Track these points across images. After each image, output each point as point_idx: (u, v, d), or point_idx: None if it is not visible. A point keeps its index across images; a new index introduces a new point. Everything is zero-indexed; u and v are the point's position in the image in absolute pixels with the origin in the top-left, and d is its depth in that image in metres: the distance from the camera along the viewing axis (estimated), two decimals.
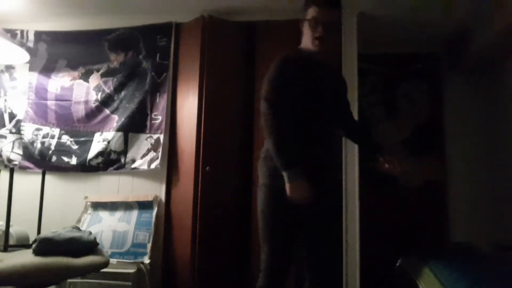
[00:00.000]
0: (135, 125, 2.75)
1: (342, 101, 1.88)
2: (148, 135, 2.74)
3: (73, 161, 2.77)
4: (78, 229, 2.16)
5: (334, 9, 1.68)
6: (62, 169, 2.79)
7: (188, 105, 2.65)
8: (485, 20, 2.67)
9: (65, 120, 2.85)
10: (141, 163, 2.70)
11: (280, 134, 1.55)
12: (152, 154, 2.70)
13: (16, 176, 2.30)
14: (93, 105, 2.83)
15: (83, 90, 2.87)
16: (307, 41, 1.71)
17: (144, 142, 2.73)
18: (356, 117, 2.59)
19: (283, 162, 1.54)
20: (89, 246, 1.94)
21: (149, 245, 2.49)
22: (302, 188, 1.52)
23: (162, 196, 2.68)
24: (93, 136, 2.79)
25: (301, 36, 1.76)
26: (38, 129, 2.86)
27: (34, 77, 2.92)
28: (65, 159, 2.78)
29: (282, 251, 1.63)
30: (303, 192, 1.52)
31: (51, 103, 2.88)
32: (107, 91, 2.83)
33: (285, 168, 1.53)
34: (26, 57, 2.66)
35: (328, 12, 1.65)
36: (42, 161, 2.79)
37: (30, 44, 2.95)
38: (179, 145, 2.69)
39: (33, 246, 1.86)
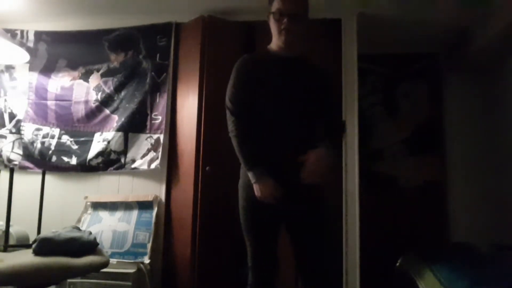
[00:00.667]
0: (135, 125, 2.75)
1: (312, 95, 1.71)
2: (148, 135, 2.74)
3: (73, 161, 2.77)
4: (78, 229, 2.16)
5: (298, 0, 1.64)
6: (62, 169, 2.78)
7: (188, 105, 2.65)
8: (485, 20, 2.67)
9: (65, 120, 2.85)
10: (141, 163, 2.70)
11: (240, 139, 1.63)
12: (152, 154, 2.70)
13: (16, 176, 2.30)
14: (93, 105, 2.83)
15: (83, 90, 2.87)
16: (274, 35, 1.69)
17: (144, 142, 2.73)
18: (355, 116, 2.61)
19: (246, 163, 1.62)
20: (89, 246, 1.94)
21: (149, 245, 2.49)
22: (268, 186, 1.55)
23: (162, 196, 2.68)
24: (93, 136, 2.79)
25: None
26: (38, 129, 2.86)
27: (34, 77, 2.92)
28: (65, 159, 2.78)
29: (262, 248, 1.65)
30: (270, 190, 1.55)
31: (51, 103, 2.88)
32: (107, 91, 2.83)
33: (249, 169, 1.60)
34: (26, 57, 2.66)
35: (291, 2, 1.62)
36: (42, 161, 2.79)
37: (30, 44, 2.95)
38: (179, 145, 2.69)
39: (33, 246, 1.86)
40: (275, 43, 1.70)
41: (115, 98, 2.82)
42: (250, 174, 1.60)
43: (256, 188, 1.58)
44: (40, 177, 2.45)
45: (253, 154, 1.62)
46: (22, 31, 2.97)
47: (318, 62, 1.78)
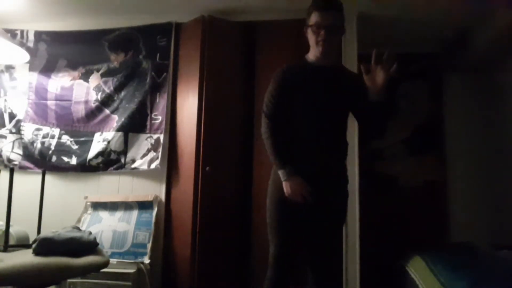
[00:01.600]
0: (135, 125, 2.75)
1: (348, 100, 1.79)
2: (148, 135, 2.74)
3: (73, 161, 2.77)
4: (78, 229, 2.16)
5: (335, 12, 1.71)
6: (62, 169, 2.79)
7: (188, 105, 2.65)
8: (485, 20, 2.67)
9: (65, 120, 2.85)
10: (141, 163, 2.70)
11: (273, 139, 1.71)
12: (152, 154, 2.70)
13: (16, 176, 2.30)
14: (93, 105, 2.83)
15: (83, 90, 2.87)
16: (312, 46, 1.77)
17: (144, 142, 2.73)
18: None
19: (278, 162, 1.69)
20: (89, 246, 1.94)
21: (149, 245, 2.49)
22: (298, 185, 1.62)
23: (162, 196, 2.68)
24: (93, 136, 2.79)
25: (305, 42, 1.81)
26: (38, 129, 2.86)
27: (34, 77, 2.92)
28: (65, 159, 2.78)
29: (286, 248, 1.68)
30: (299, 189, 1.62)
31: (51, 103, 2.88)
32: (107, 91, 2.83)
33: (280, 167, 1.67)
34: (26, 57, 2.66)
35: (329, 15, 1.69)
36: (42, 161, 2.79)
37: (30, 44, 2.95)
38: (179, 145, 2.69)
39: (33, 246, 1.86)
40: (313, 53, 1.77)
41: (115, 98, 2.82)
42: (280, 173, 1.67)
43: (285, 186, 1.64)
44: (40, 177, 2.45)
45: (285, 154, 1.69)
46: (22, 31, 2.97)
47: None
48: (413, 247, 2.67)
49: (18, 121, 2.88)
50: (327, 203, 1.68)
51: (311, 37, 1.74)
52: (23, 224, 2.50)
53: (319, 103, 1.72)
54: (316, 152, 1.70)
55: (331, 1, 1.73)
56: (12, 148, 2.85)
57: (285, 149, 1.70)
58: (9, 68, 2.97)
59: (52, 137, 2.83)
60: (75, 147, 2.80)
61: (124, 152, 2.74)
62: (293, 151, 1.69)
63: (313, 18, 1.72)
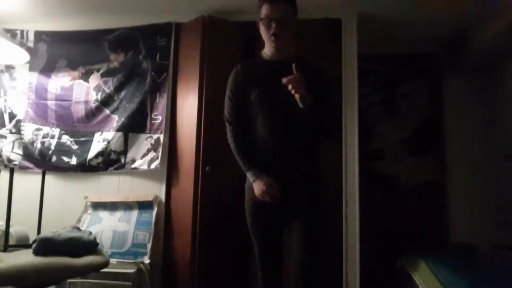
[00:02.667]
0: (135, 125, 2.75)
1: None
2: (148, 135, 2.74)
3: (73, 161, 2.77)
4: (78, 229, 2.16)
5: (285, 5, 1.67)
6: (62, 169, 2.78)
7: (188, 105, 2.65)
8: (485, 20, 2.67)
9: (65, 120, 2.85)
10: (141, 163, 2.70)
11: (237, 144, 1.74)
12: (152, 154, 2.70)
13: (16, 176, 2.30)
14: (93, 105, 2.83)
15: (83, 90, 2.87)
16: (265, 41, 1.74)
17: (144, 142, 2.73)
18: (355, 116, 2.61)
19: (243, 165, 1.72)
20: (89, 246, 1.94)
21: (149, 245, 2.49)
22: (265, 183, 1.62)
23: (162, 196, 2.68)
24: (93, 136, 2.79)
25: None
26: (38, 129, 2.86)
27: (34, 77, 2.92)
28: (65, 159, 2.78)
29: (267, 247, 1.72)
30: (267, 187, 1.62)
31: (51, 103, 2.88)
32: (107, 91, 2.83)
33: (247, 169, 1.70)
34: (26, 57, 2.66)
35: (279, 8, 1.65)
36: (42, 161, 2.79)
37: (30, 44, 2.95)
38: (179, 145, 2.69)
39: (33, 246, 1.86)
40: (267, 48, 1.75)
41: (115, 98, 2.82)
42: (248, 174, 1.69)
43: (255, 187, 1.66)
44: (40, 177, 2.45)
45: (249, 156, 1.71)
46: (22, 31, 2.97)
47: (313, 62, 1.78)
48: (413, 247, 2.67)
49: (18, 121, 2.88)
50: (293, 203, 1.66)
51: (263, 31, 1.71)
52: (23, 224, 2.50)
53: (274, 100, 1.68)
54: (277, 153, 1.68)
55: None
56: (12, 148, 2.85)
57: (250, 151, 1.71)
58: (9, 68, 2.97)
59: (52, 137, 2.83)
60: (75, 147, 2.80)
61: (124, 152, 2.74)
62: (258, 153, 1.69)
63: (264, 11, 1.69)
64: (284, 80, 1.55)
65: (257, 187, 1.64)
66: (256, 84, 1.71)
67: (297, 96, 1.58)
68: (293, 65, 1.55)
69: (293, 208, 1.66)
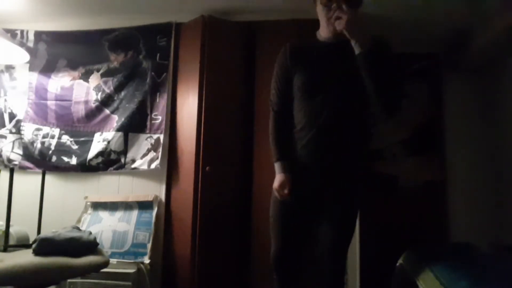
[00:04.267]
0: (135, 125, 2.75)
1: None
2: (148, 135, 2.74)
3: (73, 161, 2.77)
4: (78, 229, 2.16)
5: None
6: (62, 169, 2.78)
7: (188, 105, 2.65)
8: (485, 20, 2.67)
9: (65, 120, 2.85)
10: (141, 163, 2.70)
11: (274, 132, 1.62)
12: (152, 154, 2.70)
13: (16, 176, 2.30)
14: (93, 105, 2.83)
15: (83, 90, 2.87)
16: (322, 23, 1.54)
17: (144, 142, 2.73)
18: None
19: (274, 155, 1.61)
20: (89, 246, 1.94)
21: (149, 245, 2.49)
22: (279, 182, 1.55)
23: (162, 196, 2.68)
24: (93, 136, 2.79)
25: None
26: (38, 129, 2.86)
27: (34, 77, 2.92)
28: (65, 159, 2.78)
29: (282, 246, 1.60)
30: (281, 187, 1.54)
31: (51, 103, 2.88)
32: (107, 91, 2.83)
33: (274, 161, 1.61)
34: (26, 57, 2.66)
35: None
36: (42, 161, 2.79)
37: (30, 44, 2.95)
38: (179, 145, 2.69)
39: (33, 246, 1.86)
40: (323, 30, 1.55)
41: (115, 98, 2.82)
42: (275, 166, 1.60)
43: (275, 180, 1.59)
44: (40, 177, 2.45)
45: (284, 147, 1.59)
46: (22, 31, 2.97)
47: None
48: (413, 248, 2.67)
49: (18, 121, 2.88)
50: (327, 209, 1.53)
51: (320, 13, 1.49)
52: (23, 224, 2.50)
53: (324, 86, 1.48)
54: (326, 144, 1.50)
55: None
56: (12, 148, 2.85)
57: (287, 141, 1.57)
58: (9, 68, 2.97)
59: (52, 137, 2.83)
60: (75, 147, 2.80)
61: (124, 152, 2.74)
62: (300, 142, 1.53)
63: None
64: (331, 14, 1.35)
65: (276, 182, 1.56)
66: (303, 67, 1.53)
67: (351, 36, 1.34)
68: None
69: (327, 210, 1.53)
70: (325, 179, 1.52)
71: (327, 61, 1.46)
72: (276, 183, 1.56)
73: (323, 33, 1.55)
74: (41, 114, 2.88)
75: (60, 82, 2.90)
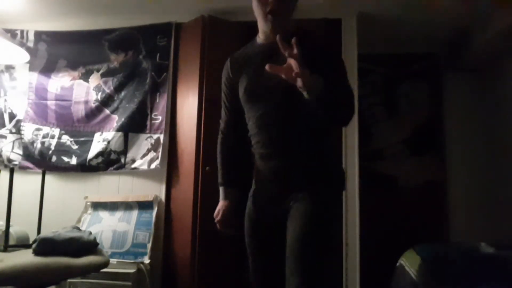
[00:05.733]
0: (135, 125, 2.75)
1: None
2: (148, 135, 2.73)
3: (73, 161, 2.77)
4: (78, 229, 2.16)
5: None
6: (62, 169, 2.78)
7: (188, 105, 2.65)
8: (485, 20, 2.67)
9: (65, 120, 2.85)
10: (141, 163, 2.70)
11: (219, 152, 1.56)
12: (152, 154, 2.70)
13: (16, 176, 2.30)
14: (93, 105, 2.83)
15: (83, 90, 2.87)
16: (259, 21, 1.37)
17: (144, 142, 2.73)
18: (355, 116, 2.60)
19: (219, 179, 1.55)
20: (89, 246, 1.94)
21: (149, 245, 2.49)
22: (217, 210, 1.51)
23: (162, 196, 2.68)
24: (93, 136, 2.79)
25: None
26: (38, 129, 2.85)
27: (34, 77, 2.92)
28: (65, 159, 2.78)
29: (255, 261, 1.46)
30: (217, 213, 1.51)
31: (51, 103, 2.88)
32: (107, 91, 2.83)
33: (219, 184, 1.56)
34: (26, 57, 2.65)
35: None
36: (42, 161, 2.79)
37: (30, 44, 2.95)
38: (179, 145, 2.69)
39: (33, 246, 1.86)
40: (261, 30, 1.41)
41: (115, 98, 2.81)
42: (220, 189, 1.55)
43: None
44: (40, 177, 2.45)
45: (232, 168, 1.54)
46: (22, 31, 2.97)
47: (319, 38, 1.47)
48: (413, 247, 2.67)
49: (18, 121, 2.88)
50: (290, 213, 1.33)
51: (256, 8, 1.34)
52: (23, 224, 2.50)
53: (265, 92, 1.33)
54: (271, 162, 1.36)
55: None
56: (12, 148, 2.85)
57: (235, 161, 1.51)
58: (9, 68, 2.97)
59: (52, 137, 2.83)
60: (75, 147, 2.80)
61: (124, 152, 2.74)
62: (257, 155, 1.41)
63: None
64: (268, 67, 1.14)
65: (217, 207, 1.50)
66: (244, 76, 1.40)
67: (298, 84, 1.13)
68: (293, 40, 1.12)
69: (290, 214, 1.34)
70: (280, 187, 1.38)
71: (264, 64, 1.19)
72: (217, 212, 1.51)
73: (261, 33, 1.41)
74: (41, 114, 2.88)
75: (60, 82, 2.90)
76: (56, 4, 2.77)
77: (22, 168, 2.79)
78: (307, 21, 2.53)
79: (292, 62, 1.13)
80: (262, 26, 1.38)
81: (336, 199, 1.41)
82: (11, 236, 2.34)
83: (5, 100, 2.93)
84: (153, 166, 2.68)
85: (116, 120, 2.78)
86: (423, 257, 2.24)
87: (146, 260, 2.43)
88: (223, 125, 1.57)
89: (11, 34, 2.96)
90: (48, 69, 2.92)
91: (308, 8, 2.51)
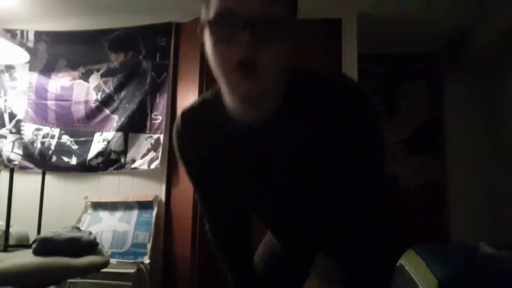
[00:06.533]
0: (135, 125, 2.75)
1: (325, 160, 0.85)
2: (148, 135, 2.73)
3: (73, 161, 2.77)
4: (78, 229, 2.16)
5: None
6: (62, 169, 2.78)
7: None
8: (485, 20, 2.67)
9: (65, 120, 2.85)
10: (141, 163, 2.70)
11: (216, 244, 1.10)
12: (152, 154, 2.70)
13: (16, 176, 2.30)
14: (93, 105, 2.83)
15: (83, 90, 2.87)
16: (219, 78, 0.85)
17: (144, 142, 2.73)
18: None
19: (232, 280, 1.12)
20: (89, 246, 1.94)
21: (149, 245, 2.49)
22: None
23: (162, 196, 2.68)
24: (93, 136, 2.79)
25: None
26: (38, 129, 2.85)
27: (34, 77, 2.92)
28: (65, 159, 2.78)
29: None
30: None
31: (51, 103, 2.88)
32: (107, 91, 2.83)
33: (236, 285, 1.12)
34: (26, 57, 2.65)
35: None
36: (42, 161, 2.79)
37: (30, 44, 2.95)
38: None
39: (33, 246, 1.86)
40: (228, 96, 0.85)
41: (115, 98, 2.81)
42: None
43: None
44: (40, 177, 2.45)
45: (233, 257, 1.11)
46: (22, 31, 2.97)
47: (337, 82, 0.86)
48: (413, 247, 2.67)
49: (18, 121, 2.88)
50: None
51: (213, 54, 0.83)
52: (23, 224, 2.50)
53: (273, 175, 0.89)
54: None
55: None
56: (12, 148, 2.85)
57: (239, 246, 1.09)
58: (9, 68, 2.97)
59: (52, 137, 2.83)
60: (75, 147, 2.80)
61: (124, 152, 2.74)
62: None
63: (215, 2, 0.75)
64: None
65: None
66: (218, 153, 0.93)
67: None
68: None
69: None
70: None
71: (253, 150, 0.86)
72: None
73: (230, 100, 0.85)
74: (41, 114, 2.88)
75: (60, 82, 2.90)
76: (56, 4, 2.77)
77: (22, 168, 2.79)
78: (307, 21, 2.53)
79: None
80: (227, 92, 0.83)
81: None
82: (11, 236, 2.34)
83: (5, 100, 2.93)
84: (153, 166, 2.68)
85: (116, 120, 2.78)
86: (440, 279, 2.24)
87: (146, 260, 2.43)
88: (205, 216, 1.09)
89: (11, 34, 2.96)
90: (48, 69, 2.92)
91: (308, 8, 2.51)
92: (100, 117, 2.81)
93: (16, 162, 2.81)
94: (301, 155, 0.84)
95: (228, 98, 0.84)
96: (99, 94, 2.83)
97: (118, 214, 2.64)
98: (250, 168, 0.90)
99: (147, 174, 2.72)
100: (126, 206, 2.67)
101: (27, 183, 2.70)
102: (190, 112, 1.04)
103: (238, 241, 1.10)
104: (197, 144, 0.96)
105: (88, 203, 2.72)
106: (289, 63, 0.79)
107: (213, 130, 0.92)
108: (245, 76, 0.73)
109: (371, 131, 0.84)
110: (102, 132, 2.78)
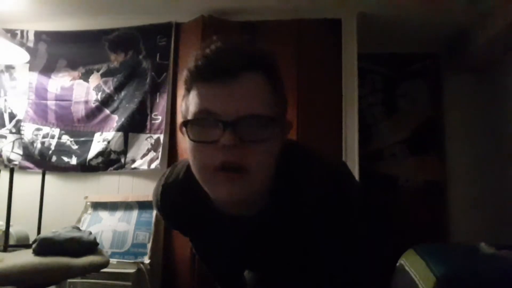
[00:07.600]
0: (135, 125, 2.75)
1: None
2: (148, 135, 2.73)
3: (73, 161, 2.77)
4: (78, 229, 2.16)
5: (254, 83, 0.77)
6: (62, 169, 2.78)
7: None
8: (485, 20, 2.67)
9: (65, 120, 2.85)
10: (141, 163, 2.70)
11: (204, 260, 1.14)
12: (152, 154, 2.70)
13: (16, 176, 2.30)
14: (93, 105, 2.83)
15: (83, 90, 2.87)
16: (197, 175, 0.77)
17: (144, 142, 2.73)
18: (355, 116, 2.61)
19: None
20: (89, 246, 1.94)
21: (149, 245, 2.49)
22: None
23: None
24: (93, 136, 2.79)
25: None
26: (38, 129, 2.85)
27: (34, 77, 2.92)
28: (65, 159, 2.78)
29: None
30: None
31: (51, 103, 2.88)
32: (107, 91, 2.83)
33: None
34: (26, 57, 2.65)
35: (238, 85, 0.75)
36: (42, 161, 2.79)
37: (30, 44, 2.95)
38: (179, 145, 2.69)
39: (33, 246, 1.86)
40: (214, 193, 0.75)
41: (115, 98, 2.81)
42: None
43: None
44: (40, 177, 2.45)
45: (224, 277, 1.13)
46: (22, 31, 2.97)
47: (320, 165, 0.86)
48: (413, 247, 2.67)
49: (18, 121, 2.88)
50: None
51: (193, 154, 0.75)
52: (23, 224, 2.50)
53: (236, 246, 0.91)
54: None
55: (238, 48, 0.81)
56: (12, 148, 2.85)
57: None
58: (9, 68, 2.97)
59: (52, 137, 2.83)
60: (75, 147, 2.80)
61: (124, 152, 2.74)
62: None
63: (195, 100, 0.81)
64: None
65: None
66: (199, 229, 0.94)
67: None
68: None
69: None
70: None
71: (240, 238, 0.85)
72: None
73: (216, 202, 0.81)
74: (41, 114, 2.88)
75: (60, 82, 2.90)
76: (56, 4, 2.77)
77: (22, 168, 2.79)
78: (307, 21, 2.54)
79: None
80: (212, 188, 0.74)
81: None
82: (11, 236, 2.34)
83: (5, 100, 2.93)
84: (153, 166, 2.68)
85: (116, 120, 2.78)
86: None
87: (146, 260, 2.43)
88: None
89: (11, 34, 2.96)
90: (48, 69, 2.92)
91: (308, 8, 2.52)
92: (100, 117, 2.82)
93: (16, 162, 2.81)
94: (289, 246, 0.82)
95: (210, 195, 0.76)
96: (99, 94, 2.83)
97: (118, 214, 2.64)
98: (237, 247, 0.89)
99: (147, 174, 2.72)
100: (126, 206, 2.67)
101: (27, 183, 2.70)
102: (168, 189, 0.93)
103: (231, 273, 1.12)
104: (180, 217, 0.93)
105: (88, 203, 2.72)
106: (278, 159, 0.74)
107: (195, 210, 0.86)
108: (228, 178, 0.67)
109: (363, 232, 0.84)
110: (102, 132, 2.78)
